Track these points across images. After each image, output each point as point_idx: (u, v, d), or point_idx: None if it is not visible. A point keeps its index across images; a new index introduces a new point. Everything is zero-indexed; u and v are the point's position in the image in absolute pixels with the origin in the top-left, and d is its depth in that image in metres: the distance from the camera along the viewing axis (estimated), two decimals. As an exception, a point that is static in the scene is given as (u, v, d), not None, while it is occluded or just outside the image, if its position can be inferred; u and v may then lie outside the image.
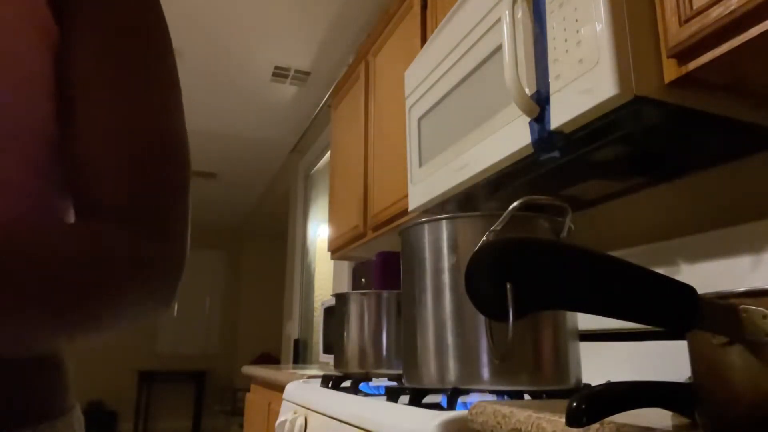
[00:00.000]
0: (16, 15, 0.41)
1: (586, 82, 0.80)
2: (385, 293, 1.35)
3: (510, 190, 1.13)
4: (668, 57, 0.76)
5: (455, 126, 1.18)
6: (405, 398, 0.90)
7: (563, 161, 0.95)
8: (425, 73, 1.33)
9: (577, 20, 0.83)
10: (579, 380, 0.88)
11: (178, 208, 0.45)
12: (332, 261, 3.08)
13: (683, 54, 0.74)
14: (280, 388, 1.60)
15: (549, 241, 0.48)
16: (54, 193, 0.46)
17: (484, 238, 0.74)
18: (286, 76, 3.24)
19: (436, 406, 0.82)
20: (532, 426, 0.59)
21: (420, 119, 1.36)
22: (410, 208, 1.41)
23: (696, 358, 0.46)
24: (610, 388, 0.47)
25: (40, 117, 0.43)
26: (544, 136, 0.89)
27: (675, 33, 0.74)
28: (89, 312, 0.39)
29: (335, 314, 1.41)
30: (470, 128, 1.11)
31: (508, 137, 0.98)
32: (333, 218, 2.46)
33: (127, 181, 0.43)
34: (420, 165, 1.35)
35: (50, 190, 0.45)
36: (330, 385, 1.28)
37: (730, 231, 0.91)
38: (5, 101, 0.41)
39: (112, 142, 0.43)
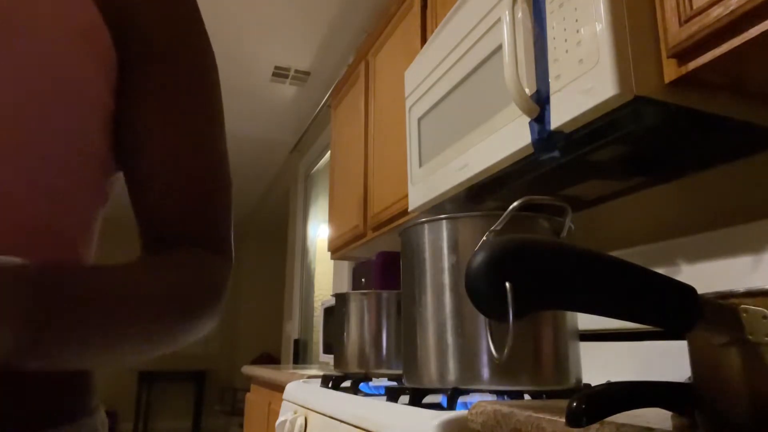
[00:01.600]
0: (77, 37, 0.44)
1: (586, 82, 0.80)
2: (385, 293, 1.35)
3: (510, 190, 1.13)
4: (668, 57, 0.76)
5: (455, 126, 1.18)
6: (405, 398, 0.90)
7: (563, 161, 0.95)
8: (425, 73, 1.33)
9: (577, 20, 0.83)
10: (579, 380, 0.88)
11: (228, 225, 0.52)
12: (332, 261, 3.08)
13: (683, 54, 0.74)
14: (280, 388, 1.59)
15: (549, 241, 0.48)
16: (100, 209, 0.51)
17: (484, 237, 0.74)
18: (286, 76, 3.24)
19: (436, 406, 0.82)
20: (532, 426, 0.59)
21: (420, 119, 1.36)
22: (410, 208, 1.41)
23: (696, 358, 0.46)
24: (610, 388, 0.47)
25: (96, 137, 0.47)
26: (544, 136, 0.89)
27: (675, 33, 0.74)
28: (176, 337, 0.45)
29: (335, 314, 1.41)
30: (470, 128, 1.11)
31: (508, 137, 0.98)
32: (333, 218, 2.46)
33: (191, 207, 0.50)
34: (420, 165, 1.35)
35: (98, 205, 0.50)
36: (330, 385, 1.28)
37: (730, 231, 0.91)
38: (64, 118, 0.44)
39: (176, 176, 0.49)
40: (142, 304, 0.41)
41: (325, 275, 3.62)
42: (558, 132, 0.87)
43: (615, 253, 0.96)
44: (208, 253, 0.49)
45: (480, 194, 1.18)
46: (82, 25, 0.44)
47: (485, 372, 0.82)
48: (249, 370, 2.33)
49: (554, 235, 0.87)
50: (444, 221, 0.89)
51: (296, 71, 3.17)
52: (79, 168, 0.46)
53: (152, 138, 0.49)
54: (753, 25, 0.66)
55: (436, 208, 1.31)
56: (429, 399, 0.88)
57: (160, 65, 0.49)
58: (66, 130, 0.44)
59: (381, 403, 0.91)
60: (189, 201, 0.50)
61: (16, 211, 0.41)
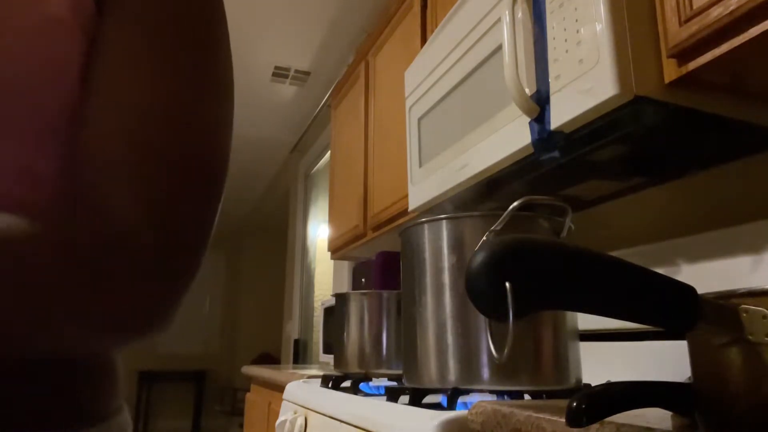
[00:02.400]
0: (70, 42, 0.37)
1: (586, 82, 0.80)
2: (385, 293, 1.35)
3: (510, 190, 1.13)
4: (668, 57, 0.76)
5: (455, 126, 1.18)
6: (405, 398, 0.90)
7: (563, 161, 0.95)
8: (425, 73, 1.33)
9: (577, 20, 0.83)
10: (579, 380, 0.88)
11: (196, 220, 0.38)
12: (332, 261, 3.08)
13: (683, 54, 0.74)
14: (280, 388, 1.59)
15: (549, 241, 0.48)
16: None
17: (484, 238, 0.74)
18: (286, 76, 3.24)
19: (436, 406, 0.82)
20: (532, 426, 0.59)
21: (420, 119, 1.36)
22: (410, 208, 1.41)
23: (696, 358, 0.46)
24: (610, 388, 0.47)
25: (66, 96, 0.37)
26: (544, 136, 0.89)
27: (675, 33, 0.74)
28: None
29: (335, 314, 1.41)
30: (470, 128, 1.11)
31: (508, 137, 0.98)
32: (333, 218, 2.46)
33: (131, 188, 0.35)
34: (420, 165, 1.35)
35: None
36: (330, 385, 1.28)
37: (730, 231, 0.91)
38: (32, 78, 0.36)
39: (128, 134, 0.36)
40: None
41: (325, 275, 3.62)
42: (558, 132, 0.87)
43: (615, 253, 0.96)
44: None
45: (480, 194, 1.18)
46: None
47: (485, 372, 0.82)
48: (249, 370, 2.33)
49: (554, 235, 0.87)
50: (444, 221, 0.89)
51: (296, 71, 3.17)
52: (48, 123, 0.37)
53: (110, 93, 0.37)
54: (753, 25, 0.66)
55: (436, 208, 1.31)
56: (429, 399, 0.88)
57: (139, 20, 0.38)
58: (27, 90, 0.36)
59: (381, 403, 0.91)
60: (135, 182, 0.35)
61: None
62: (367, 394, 1.14)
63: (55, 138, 0.38)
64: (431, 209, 1.33)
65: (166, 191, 0.36)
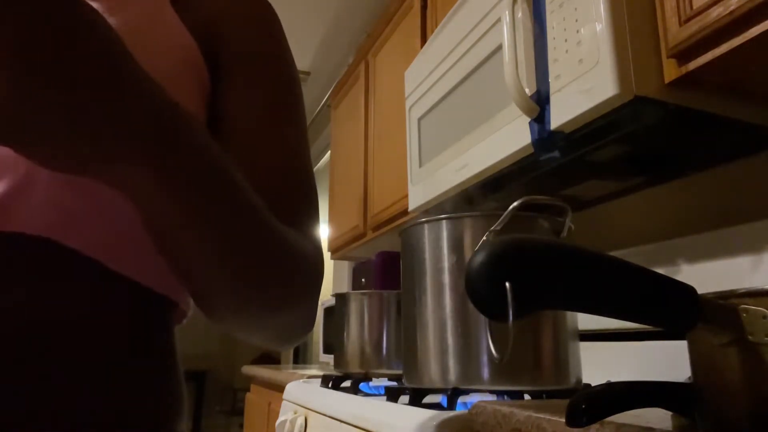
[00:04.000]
0: (176, 66, 0.46)
1: (586, 82, 0.80)
2: (385, 293, 1.35)
3: (510, 190, 1.13)
4: (668, 57, 0.76)
5: (455, 126, 1.18)
6: (405, 398, 0.90)
7: (563, 161, 0.95)
8: (425, 73, 1.33)
9: (577, 20, 0.83)
10: (579, 380, 0.88)
11: (312, 231, 0.49)
12: (332, 261, 3.08)
13: (683, 54, 0.74)
14: (280, 388, 1.59)
15: (549, 241, 0.48)
16: None
17: (484, 238, 0.74)
18: (286, 76, 3.23)
19: (436, 406, 0.82)
20: (532, 426, 0.59)
21: (420, 119, 1.36)
22: (410, 208, 1.41)
23: (696, 358, 0.46)
24: (610, 388, 0.47)
25: None
26: (544, 136, 0.89)
27: (675, 33, 0.74)
28: (283, 298, 0.43)
29: (335, 314, 1.41)
30: (470, 128, 1.11)
31: (508, 137, 0.98)
32: (333, 218, 2.46)
33: (288, 212, 0.46)
34: (420, 165, 1.35)
35: None
36: (330, 385, 1.28)
37: (730, 231, 0.91)
38: None
39: (259, 178, 0.46)
40: (253, 208, 0.39)
41: (325, 275, 3.62)
42: (558, 132, 0.87)
43: (615, 253, 0.96)
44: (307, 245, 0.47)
45: (480, 194, 1.18)
46: (179, 46, 0.47)
47: (485, 372, 0.81)
48: (249, 370, 2.33)
49: (554, 235, 0.87)
50: (444, 221, 0.89)
51: (296, 71, 3.17)
52: None
53: (236, 142, 0.47)
54: (753, 25, 0.66)
55: (436, 208, 1.31)
56: (429, 399, 0.88)
57: (247, 77, 0.50)
58: None
59: (381, 403, 0.91)
60: (271, 200, 0.45)
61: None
62: (367, 394, 1.14)
63: None
64: (431, 209, 1.33)
65: (309, 213, 0.49)
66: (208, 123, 0.49)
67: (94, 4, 0.44)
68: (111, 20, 0.42)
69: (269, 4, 0.55)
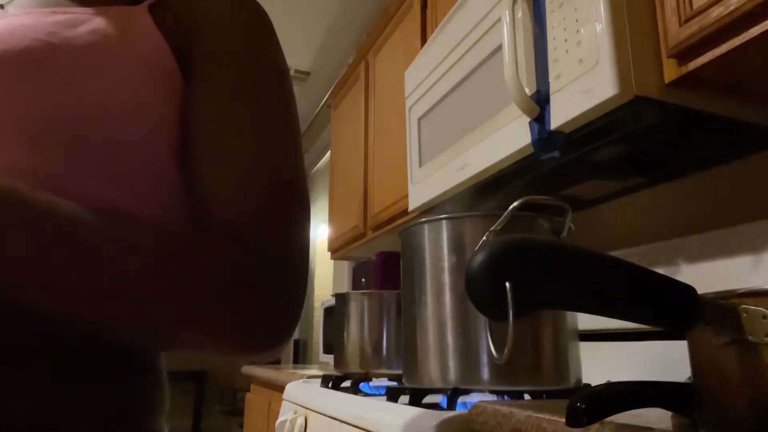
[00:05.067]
0: (141, 63, 0.46)
1: (586, 82, 0.80)
2: (385, 293, 1.35)
3: (510, 190, 1.13)
4: (668, 57, 0.76)
5: (455, 126, 1.18)
6: (405, 398, 0.90)
7: (563, 161, 0.95)
8: (425, 73, 1.33)
9: (577, 20, 0.83)
10: (579, 380, 0.88)
11: (299, 244, 0.47)
12: (332, 261, 3.08)
13: (683, 54, 0.74)
14: (280, 388, 1.59)
15: (549, 241, 0.48)
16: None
17: (484, 238, 0.74)
18: (286, 76, 3.23)
19: (436, 406, 0.82)
20: (532, 426, 0.59)
21: (420, 119, 1.36)
22: (410, 208, 1.40)
23: (696, 358, 0.46)
24: (610, 388, 0.47)
25: (162, 156, 0.47)
26: (544, 136, 0.89)
27: (675, 33, 0.74)
28: (210, 317, 0.41)
29: (335, 314, 1.41)
30: (470, 128, 1.11)
31: (508, 137, 0.98)
32: (333, 218, 2.46)
33: (251, 213, 0.45)
34: (420, 165, 1.35)
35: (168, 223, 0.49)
36: (330, 385, 1.28)
37: (730, 231, 0.91)
38: (131, 141, 0.45)
39: (235, 180, 0.46)
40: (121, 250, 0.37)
41: (325, 275, 3.62)
42: (558, 132, 0.87)
43: (615, 253, 0.96)
44: (268, 265, 0.44)
45: (480, 194, 1.18)
46: (148, 55, 0.47)
47: (485, 372, 0.81)
48: (249, 370, 2.33)
49: (554, 235, 0.87)
50: (444, 221, 0.89)
51: (296, 71, 3.17)
52: (149, 190, 0.46)
53: (215, 149, 0.47)
54: (753, 25, 0.66)
55: (436, 208, 1.31)
56: (429, 399, 0.88)
57: (226, 82, 0.49)
58: (132, 153, 0.45)
59: (381, 403, 0.91)
60: (253, 210, 0.45)
61: None
62: (367, 394, 1.14)
63: (163, 178, 0.47)
64: (431, 209, 1.33)
65: (283, 214, 0.47)
66: (183, 127, 0.49)
67: (64, 17, 0.46)
68: (77, 29, 0.45)
69: (255, 7, 0.54)
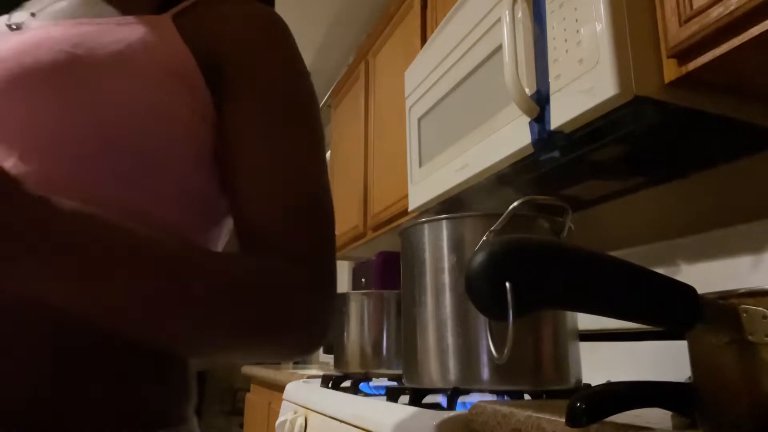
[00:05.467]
0: (164, 71, 0.48)
1: (586, 82, 0.80)
2: (385, 293, 1.35)
3: (510, 190, 1.13)
4: (668, 57, 0.76)
5: (455, 126, 1.18)
6: (405, 398, 0.90)
7: (563, 161, 0.95)
8: (425, 73, 1.33)
9: (577, 20, 0.83)
10: (579, 380, 0.88)
11: (329, 259, 0.51)
12: (332, 261, 3.08)
13: (683, 54, 0.74)
14: (280, 388, 1.60)
15: (549, 241, 0.48)
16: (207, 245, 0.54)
17: (484, 238, 0.74)
18: (286, 76, 3.23)
19: (436, 406, 0.82)
20: (532, 426, 0.59)
21: (420, 119, 1.36)
22: (410, 208, 1.41)
23: (696, 358, 0.45)
24: (610, 388, 0.47)
25: (185, 164, 0.50)
26: (544, 136, 0.89)
27: (675, 33, 0.74)
28: (278, 334, 0.47)
29: (335, 314, 1.41)
30: (470, 128, 1.11)
31: (508, 137, 0.98)
32: (333, 218, 2.45)
33: (295, 234, 0.49)
34: (420, 165, 1.35)
35: (202, 240, 0.53)
36: (330, 385, 1.28)
37: (730, 231, 0.91)
38: (153, 147, 0.48)
39: (269, 201, 0.49)
40: (150, 265, 0.40)
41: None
42: (558, 132, 0.87)
43: (615, 253, 0.95)
44: (302, 278, 0.48)
45: (480, 194, 1.18)
46: (172, 63, 0.49)
47: (485, 372, 0.81)
48: (249, 370, 2.33)
49: (554, 235, 0.87)
50: (444, 221, 0.89)
51: (296, 71, 3.17)
52: (171, 196, 0.48)
53: (251, 172, 0.50)
54: (753, 25, 0.66)
55: (436, 208, 1.31)
56: (429, 399, 0.88)
57: (255, 102, 0.51)
58: (155, 158, 0.47)
59: (381, 403, 0.91)
60: (289, 232, 0.49)
61: None
62: (367, 394, 1.14)
63: (186, 185, 0.50)
64: (431, 209, 1.33)
65: (319, 231, 0.50)
66: (219, 151, 0.51)
67: (90, 27, 0.48)
68: (102, 40, 0.47)
69: (276, 20, 0.57)
